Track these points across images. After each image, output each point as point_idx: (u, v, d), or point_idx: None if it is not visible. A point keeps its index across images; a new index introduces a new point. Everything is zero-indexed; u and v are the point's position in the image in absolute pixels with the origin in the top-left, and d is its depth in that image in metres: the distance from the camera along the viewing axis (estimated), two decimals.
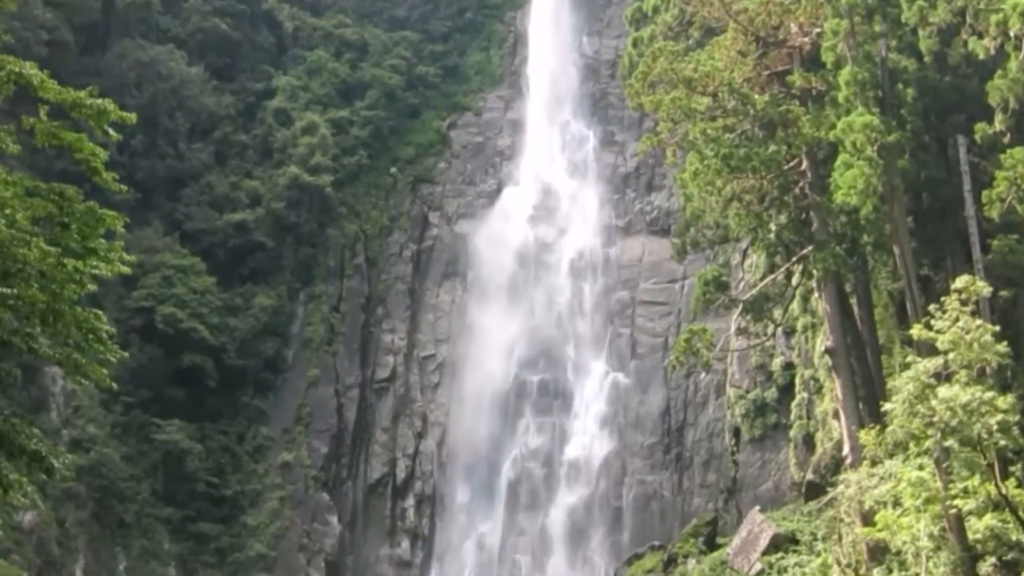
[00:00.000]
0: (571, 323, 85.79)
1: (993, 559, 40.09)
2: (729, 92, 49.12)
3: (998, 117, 47.39)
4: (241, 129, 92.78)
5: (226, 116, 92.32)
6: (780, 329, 64.93)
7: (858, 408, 48.94)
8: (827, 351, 51.76)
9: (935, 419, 36.44)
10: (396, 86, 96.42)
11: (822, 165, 49.96)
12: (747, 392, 75.15)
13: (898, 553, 43.29)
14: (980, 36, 47.32)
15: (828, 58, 48.69)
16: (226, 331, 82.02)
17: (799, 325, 70.16)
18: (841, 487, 45.85)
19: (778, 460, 72.05)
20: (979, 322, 38.43)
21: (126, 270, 26.88)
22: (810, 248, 49.05)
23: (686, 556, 58.68)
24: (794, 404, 70.57)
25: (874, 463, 42.79)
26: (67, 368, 26.93)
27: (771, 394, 73.51)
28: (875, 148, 44.93)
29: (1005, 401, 36.58)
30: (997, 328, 39.32)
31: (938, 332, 38.01)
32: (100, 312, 27.04)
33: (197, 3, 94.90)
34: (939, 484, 39.69)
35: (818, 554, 48.88)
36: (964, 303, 38.66)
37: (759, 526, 53.52)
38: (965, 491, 39.54)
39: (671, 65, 49.76)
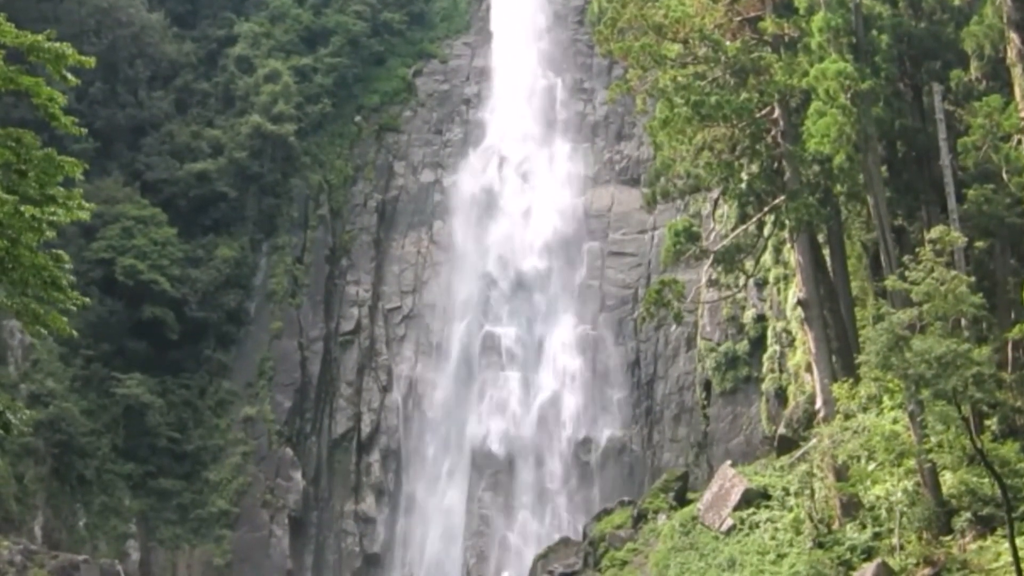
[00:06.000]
0: (539, 274, 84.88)
1: (968, 514, 40.14)
2: (700, 38, 48.30)
3: (974, 64, 47.23)
4: (202, 77, 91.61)
5: (187, 64, 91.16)
6: (752, 281, 64.44)
7: (831, 361, 48.43)
8: (800, 303, 51.15)
9: (909, 372, 35.86)
10: (360, 33, 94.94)
11: (795, 113, 49.25)
12: (718, 345, 74.63)
13: (871, 508, 43.34)
14: None
15: (801, 4, 47.91)
16: (187, 283, 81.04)
17: (771, 276, 69.64)
18: (814, 441, 45.58)
19: (750, 414, 71.61)
20: (954, 273, 38.07)
21: (85, 216, 26.23)
22: (782, 198, 48.40)
23: (656, 512, 58.13)
24: (766, 357, 70.13)
25: (847, 417, 42.45)
26: (26, 318, 26.44)
27: (743, 347, 73.01)
28: (849, 96, 44.31)
29: (980, 353, 36.06)
30: (972, 279, 39.09)
31: (912, 283, 37.51)
32: (62, 253, 26.44)
33: None
34: (913, 438, 39.45)
35: (790, 509, 48.42)
36: (939, 253, 38.34)
37: (730, 481, 52.90)
38: (939, 445, 39.49)
39: (641, 11, 48.81)
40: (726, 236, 54.43)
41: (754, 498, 51.52)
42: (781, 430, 60.59)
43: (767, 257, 66.40)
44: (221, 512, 75.98)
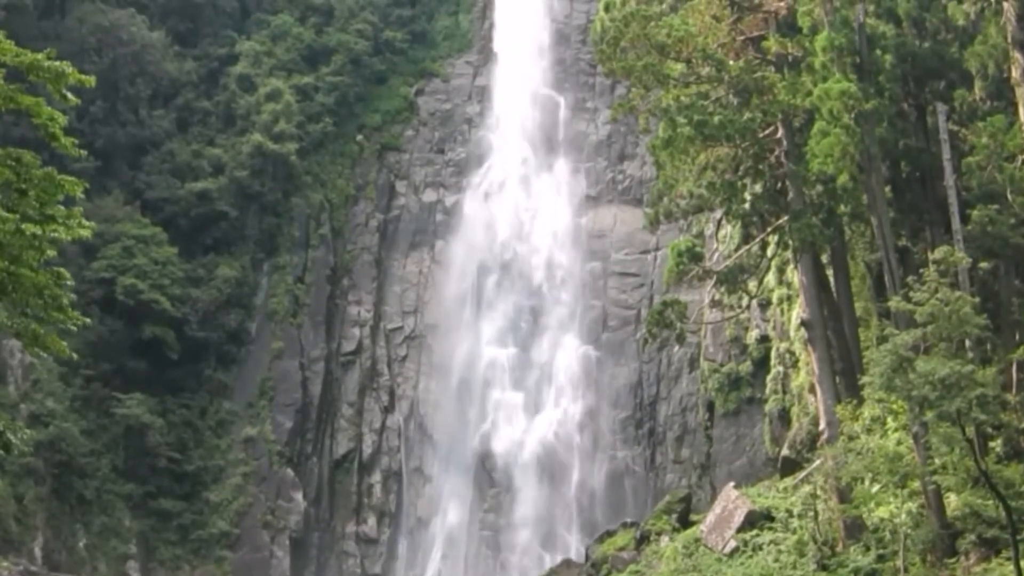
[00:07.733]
0: (541, 295, 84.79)
1: (972, 536, 39.87)
2: (703, 58, 48.02)
3: (978, 84, 47.07)
4: (204, 95, 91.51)
5: (188, 82, 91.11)
6: (755, 301, 64.27)
7: (835, 382, 48.13)
8: (803, 323, 50.87)
9: (913, 393, 35.72)
10: (362, 51, 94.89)
11: (798, 133, 49.05)
12: (721, 366, 74.41)
13: (875, 530, 43.08)
14: (959, 1, 46.50)
15: (804, 23, 47.75)
16: (188, 302, 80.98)
17: (774, 297, 69.41)
18: (817, 463, 45.35)
19: (753, 435, 71.34)
20: (958, 294, 37.83)
21: (86, 235, 26.20)
22: (786, 218, 48.15)
23: (659, 533, 57.66)
24: (769, 378, 69.87)
25: (851, 438, 42.31)
26: (25, 339, 26.75)
27: (746, 368, 72.79)
28: (852, 116, 44.10)
29: (985, 375, 35.90)
30: (977, 300, 38.82)
31: (916, 304, 37.29)
32: (63, 270, 26.43)
33: None
34: (917, 460, 39.20)
35: (794, 531, 48.05)
36: (943, 274, 38.11)
37: (733, 503, 52.52)
38: (944, 467, 39.20)
39: (643, 30, 48.50)
40: (729, 256, 54.38)
41: (757, 520, 51.14)
42: (784, 451, 60.22)
43: (770, 277, 66.20)
44: (222, 533, 75.77)
